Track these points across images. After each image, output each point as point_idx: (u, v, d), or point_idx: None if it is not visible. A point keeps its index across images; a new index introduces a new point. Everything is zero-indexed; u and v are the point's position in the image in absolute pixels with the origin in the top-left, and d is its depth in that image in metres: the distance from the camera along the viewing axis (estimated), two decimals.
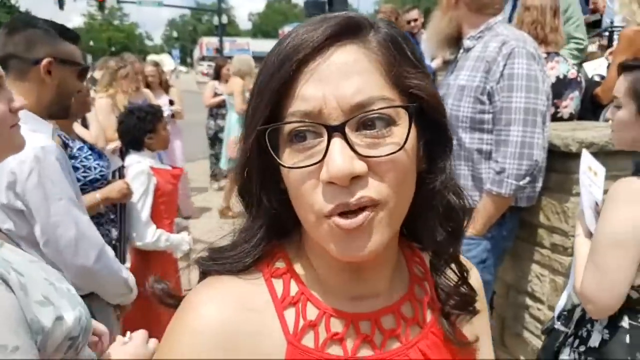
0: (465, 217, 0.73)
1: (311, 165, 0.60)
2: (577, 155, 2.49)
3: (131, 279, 2.05)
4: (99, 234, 1.93)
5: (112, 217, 2.49)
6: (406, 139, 0.62)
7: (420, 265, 0.80)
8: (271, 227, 0.71)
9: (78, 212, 1.83)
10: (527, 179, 2.29)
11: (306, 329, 0.68)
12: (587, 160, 1.87)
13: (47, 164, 1.72)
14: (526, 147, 2.26)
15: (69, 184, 1.81)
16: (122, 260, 2.86)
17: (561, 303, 1.91)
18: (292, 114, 0.61)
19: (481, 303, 0.81)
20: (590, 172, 1.82)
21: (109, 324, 2.10)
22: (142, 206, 2.82)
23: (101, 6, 28.58)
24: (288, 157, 0.63)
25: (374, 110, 0.60)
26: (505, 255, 2.65)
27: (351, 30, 0.63)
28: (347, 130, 0.59)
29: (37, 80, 1.81)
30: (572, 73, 3.28)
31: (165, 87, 6.07)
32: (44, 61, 1.79)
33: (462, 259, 0.79)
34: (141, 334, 1.40)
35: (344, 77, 0.60)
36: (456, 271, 0.77)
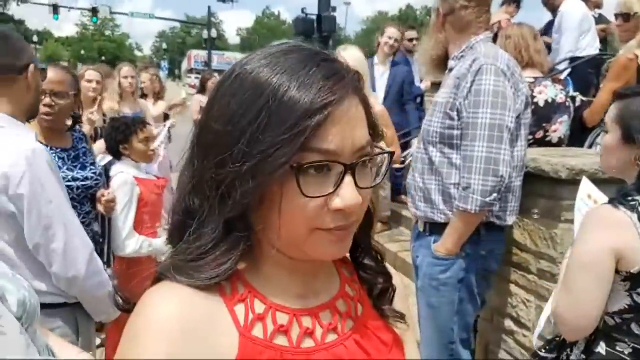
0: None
1: (326, 195, 0.72)
2: (566, 182, 2.50)
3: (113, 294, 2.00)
4: (88, 238, 1.91)
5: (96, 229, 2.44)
6: (385, 174, 0.80)
7: (347, 267, 0.92)
8: (236, 244, 0.77)
9: (68, 215, 1.83)
10: (494, 195, 2.25)
11: (255, 322, 0.76)
12: (586, 188, 1.87)
13: (37, 166, 1.72)
14: (491, 162, 2.24)
15: (59, 187, 1.81)
16: (108, 264, 2.82)
17: (538, 329, 1.92)
18: (316, 150, 0.70)
19: (404, 304, 0.95)
20: (590, 200, 1.82)
21: (89, 336, 2.08)
22: (125, 217, 2.78)
23: (94, 16, 28.62)
24: (302, 184, 0.71)
25: (372, 154, 0.76)
26: (491, 278, 2.60)
27: (356, 84, 0.76)
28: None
29: (23, 86, 1.81)
30: (560, 97, 3.30)
31: (157, 97, 5.98)
32: (30, 68, 1.80)
33: (376, 247, 0.93)
34: None
35: (355, 124, 0.73)
36: (373, 256, 0.92)
